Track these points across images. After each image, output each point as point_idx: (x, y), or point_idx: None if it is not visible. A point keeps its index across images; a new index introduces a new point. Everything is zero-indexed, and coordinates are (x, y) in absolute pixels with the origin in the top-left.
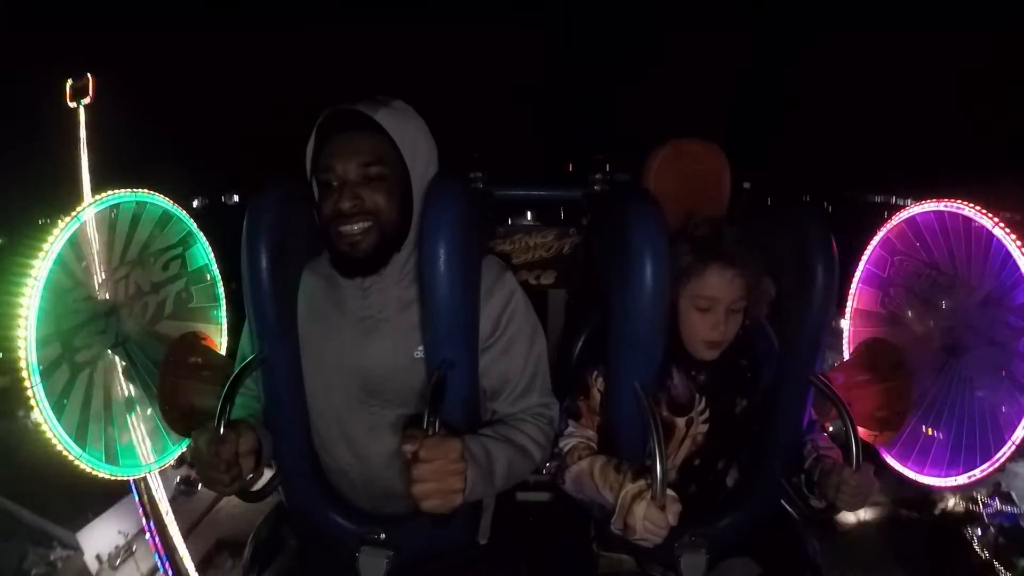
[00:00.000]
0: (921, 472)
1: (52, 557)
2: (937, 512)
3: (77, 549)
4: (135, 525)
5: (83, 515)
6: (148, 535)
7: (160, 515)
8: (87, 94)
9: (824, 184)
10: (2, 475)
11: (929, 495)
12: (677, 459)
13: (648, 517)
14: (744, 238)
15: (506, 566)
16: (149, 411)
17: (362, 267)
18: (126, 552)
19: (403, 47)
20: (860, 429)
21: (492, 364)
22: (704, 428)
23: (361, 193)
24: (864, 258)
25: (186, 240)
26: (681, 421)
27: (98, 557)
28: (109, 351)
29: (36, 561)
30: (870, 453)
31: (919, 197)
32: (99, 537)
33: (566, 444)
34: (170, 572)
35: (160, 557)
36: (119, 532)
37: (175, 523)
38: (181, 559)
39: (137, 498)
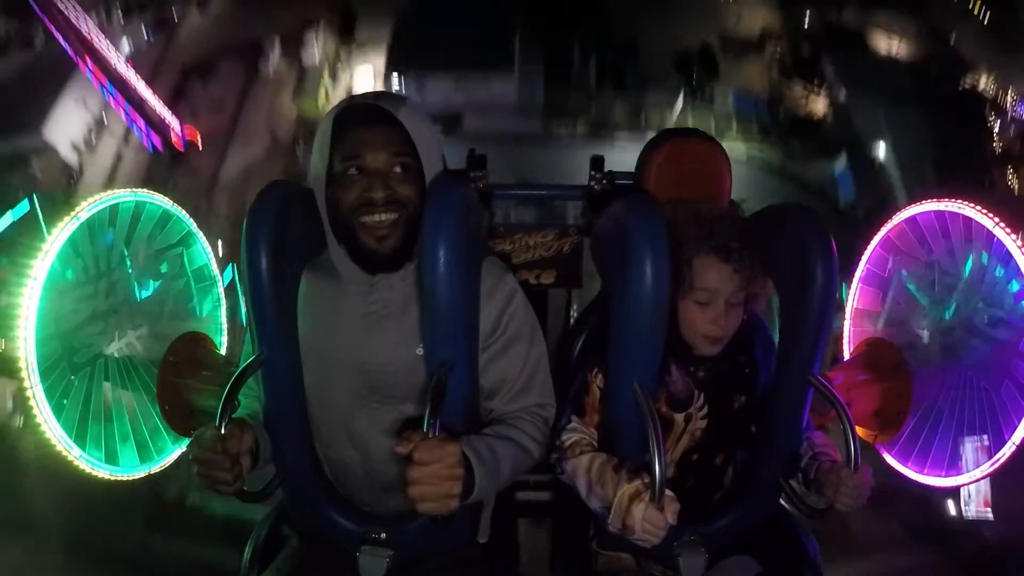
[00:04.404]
0: (921, 472)
1: (31, 171)
2: None
3: (48, 147)
4: (95, 94)
5: (39, 109)
6: (110, 97)
7: (111, 67)
8: None
9: None
10: None
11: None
12: (675, 454)
13: (647, 517)
14: (741, 229)
15: (506, 566)
16: (149, 411)
17: (387, 264)
18: (98, 127)
19: None
20: (860, 429)
21: (491, 364)
22: (703, 424)
23: (392, 183)
24: (864, 258)
25: (186, 240)
26: (680, 417)
27: (73, 145)
28: (109, 351)
29: (21, 181)
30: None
31: None
32: (65, 124)
33: (568, 438)
34: (142, 125)
35: (128, 113)
36: (83, 107)
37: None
38: (150, 105)
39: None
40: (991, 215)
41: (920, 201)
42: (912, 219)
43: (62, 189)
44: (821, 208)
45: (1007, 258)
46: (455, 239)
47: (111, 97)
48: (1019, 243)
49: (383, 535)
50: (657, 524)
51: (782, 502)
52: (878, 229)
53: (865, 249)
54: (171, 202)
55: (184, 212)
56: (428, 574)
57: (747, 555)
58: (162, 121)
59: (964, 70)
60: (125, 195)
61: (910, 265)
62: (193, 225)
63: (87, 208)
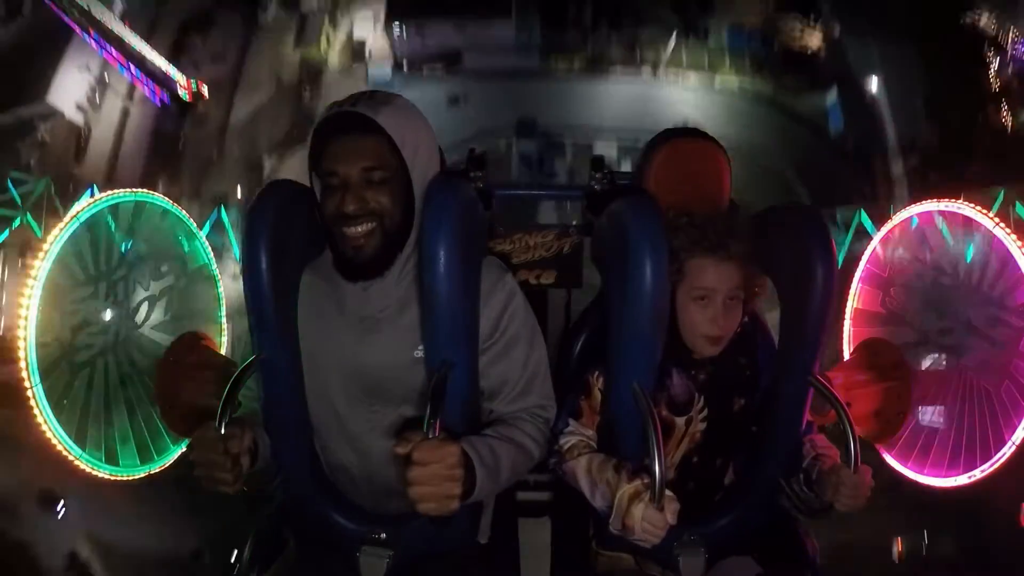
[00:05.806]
0: (921, 472)
1: (39, 136)
2: None
3: (54, 112)
4: (95, 57)
5: (40, 76)
6: (109, 56)
7: (108, 30)
8: None
9: None
10: None
11: None
12: (676, 457)
13: (647, 518)
14: (737, 225)
15: (506, 566)
16: (149, 411)
17: (366, 271)
18: (101, 86)
19: None
20: (859, 429)
21: (491, 365)
22: (703, 427)
23: (365, 195)
24: (864, 258)
25: (186, 239)
26: (680, 420)
27: (78, 106)
28: (109, 351)
29: (29, 150)
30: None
31: None
32: (67, 87)
33: (566, 442)
34: (147, 81)
35: (127, 67)
36: (86, 70)
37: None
38: (152, 62)
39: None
40: (991, 215)
41: (920, 201)
42: (912, 219)
43: (72, 149)
44: (811, 138)
45: (1007, 258)
46: (455, 239)
47: (111, 56)
48: (1019, 243)
49: (383, 535)
50: (657, 524)
51: (782, 502)
52: (878, 229)
53: (865, 249)
54: (171, 201)
55: (184, 212)
56: (428, 574)
57: (747, 556)
58: (167, 76)
59: (964, 6)
60: (125, 195)
61: (910, 265)
62: (193, 225)
63: (87, 208)
